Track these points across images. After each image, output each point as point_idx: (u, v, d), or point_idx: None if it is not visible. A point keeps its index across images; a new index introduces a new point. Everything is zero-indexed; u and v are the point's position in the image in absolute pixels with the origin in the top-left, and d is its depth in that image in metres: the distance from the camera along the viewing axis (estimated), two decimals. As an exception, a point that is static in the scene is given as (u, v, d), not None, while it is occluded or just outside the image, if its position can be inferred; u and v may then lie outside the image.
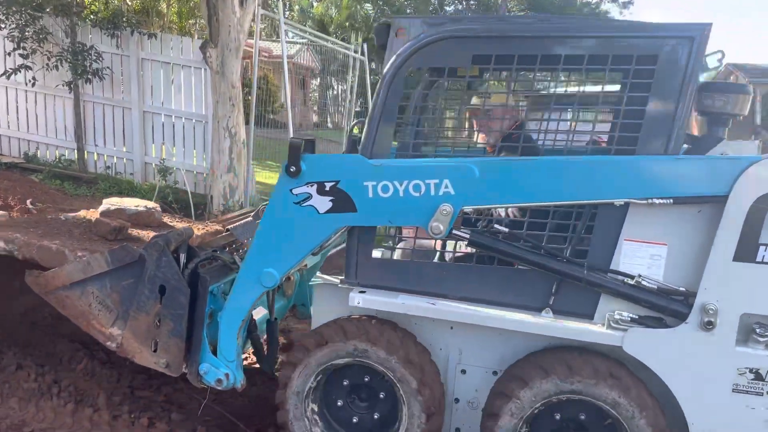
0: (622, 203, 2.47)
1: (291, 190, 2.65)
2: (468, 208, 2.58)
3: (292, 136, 6.02)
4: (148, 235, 3.12)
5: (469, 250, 2.73)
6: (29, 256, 2.79)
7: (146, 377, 3.45)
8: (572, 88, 2.88)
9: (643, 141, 2.51)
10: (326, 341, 2.65)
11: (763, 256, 2.37)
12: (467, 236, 2.58)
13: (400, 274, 2.78)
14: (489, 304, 2.65)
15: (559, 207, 2.55)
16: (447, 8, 33.67)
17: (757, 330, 2.45)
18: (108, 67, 7.38)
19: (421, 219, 2.58)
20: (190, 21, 10.34)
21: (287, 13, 26.06)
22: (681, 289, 2.51)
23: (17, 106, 8.14)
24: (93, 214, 3.38)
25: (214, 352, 2.72)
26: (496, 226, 2.66)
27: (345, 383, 2.77)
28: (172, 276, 2.68)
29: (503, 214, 2.77)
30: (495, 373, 2.74)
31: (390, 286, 2.72)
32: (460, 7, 36.32)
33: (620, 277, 2.53)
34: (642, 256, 2.55)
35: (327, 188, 2.62)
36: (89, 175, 7.68)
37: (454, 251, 2.82)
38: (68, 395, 3.18)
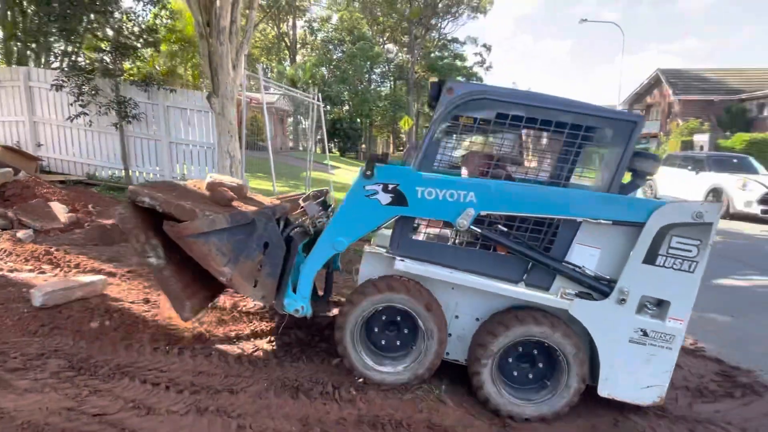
0: (580, 220, 2.69)
1: (364, 187, 2.77)
2: (483, 213, 2.73)
3: (271, 157, 6.27)
4: (240, 205, 3.14)
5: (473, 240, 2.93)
6: (168, 211, 2.79)
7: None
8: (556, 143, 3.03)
9: (597, 182, 2.76)
10: (378, 290, 2.82)
11: (659, 262, 2.58)
12: (479, 231, 2.74)
13: (427, 251, 2.91)
14: (482, 275, 2.83)
15: (539, 218, 2.73)
16: (375, 71, 33.92)
17: (647, 305, 2.69)
18: (143, 113, 7.66)
19: (451, 217, 2.73)
20: (201, 80, 10.62)
21: (269, 73, 26.32)
22: (607, 277, 2.74)
23: (80, 141, 9.07)
24: (200, 184, 3.44)
25: (294, 291, 2.91)
26: (498, 226, 2.82)
27: (383, 318, 2.96)
28: (275, 236, 2.81)
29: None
30: (477, 319, 2.94)
31: (420, 258, 2.86)
32: (384, 69, 36.57)
33: (571, 266, 2.73)
34: (584, 254, 2.74)
35: (390, 188, 2.75)
36: (134, 186, 7.86)
37: (464, 241, 3.00)
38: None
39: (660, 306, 2.66)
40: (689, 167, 12.29)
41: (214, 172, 8.10)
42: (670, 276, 2.57)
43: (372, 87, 37.21)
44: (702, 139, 21.25)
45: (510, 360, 2.86)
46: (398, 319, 2.93)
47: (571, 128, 2.63)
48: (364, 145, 36.15)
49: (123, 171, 8.68)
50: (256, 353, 3.17)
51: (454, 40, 40.90)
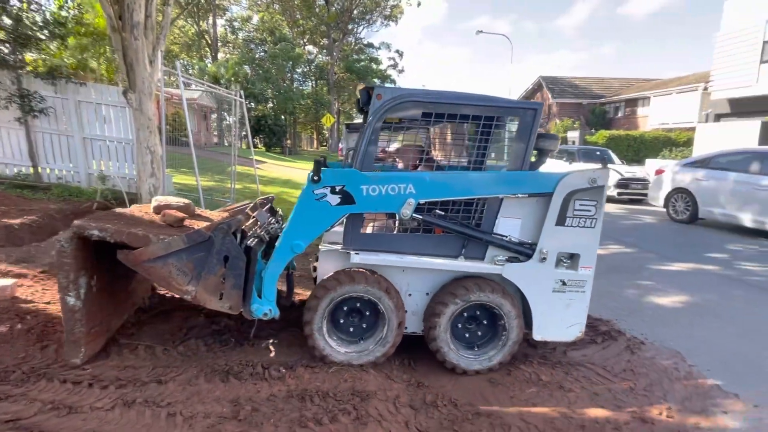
0: (501, 197, 2.87)
1: (313, 191, 2.75)
2: (422, 201, 2.80)
3: (194, 152, 5.86)
4: (192, 223, 3.00)
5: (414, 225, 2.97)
6: (120, 240, 2.57)
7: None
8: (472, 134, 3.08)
9: (511, 163, 2.91)
10: (340, 283, 2.82)
11: (568, 223, 2.84)
12: (420, 217, 2.82)
13: (376, 242, 2.96)
14: (427, 255, 2.93)
15: (468, 199, 2.87)
16: (297, 71, 33.03)
17: (563, 260, 2.95)
18: (51, 107, 6.69)
19: (395, 208, 2.79)
20: (117, 74, 9.51)
21: (190, 70, 24.42)
22: (528, 241, 2.94)
23: (-22, 137, 7.67)
24: (146, 209, 3.21)
25: (259, 296, 2.82)
26: (438, 210, 2.89)
27: (345, 308, 2.97)
28: (234, 249, 2.68)
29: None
30: (427, 294, 3.04)
31: (371, 249, 2.91)
32: (305, 69, 35.70)
33: (499, 236, 2.91)
34: (508, 225, 2.93)
35: (337, 189, 2.75)
36: (44, 184, 7.18)
37: (406, 227, 3.00)
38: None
39: (572, 259, 2.95)
40: (564, 158, 13.59)
41: (134, 168, 7.38)
42: (578, 233, 2.85)
43: (295, 86, 36.08)
44: (574, 135, 23.52)
45: (460, 324, 3.01)
46: (358, 306, 2.95)
47: (485, 119, 2.80)
48: (289, 141, 35.06)
49: (31, 168, 7.57)
50: (184, 344, 2.97)
51: (370, 45, 40.98)
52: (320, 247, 3.11)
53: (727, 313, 3.98)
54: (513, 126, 2.86)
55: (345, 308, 2.96)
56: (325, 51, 38.45)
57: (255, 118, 27.39)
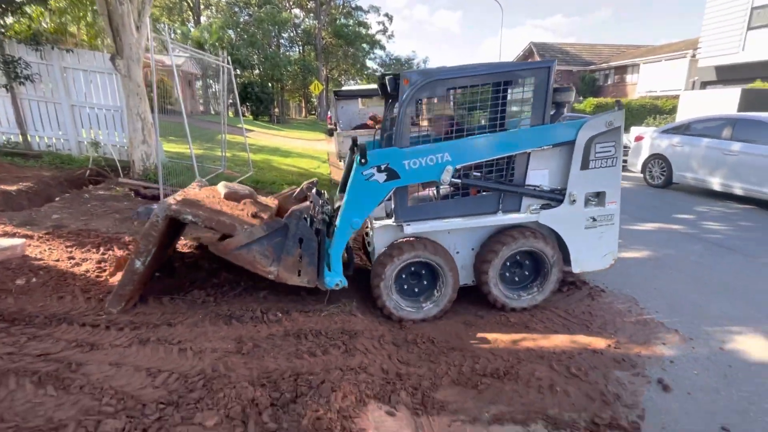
0: (530, 151, 3.14)
1: (362, 173, 2.99)
2: (459, 166, 3.06)
3: (185, 120, 5.92)
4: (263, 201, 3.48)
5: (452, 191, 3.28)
6: (210, 226, 2.95)
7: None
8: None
9: (535, 114, 3.10)
10: (403, 251, 3.12)
11: (592, 165, 3.15)
12: (460, 182, 3.11)
13: (423, 211, 3.24)
14: (469, 216, 3.25)
15: (500, 158, 3.14)
16: (283, 35, 31.91)
17: (591, 199, 3.31)
18: (37, 74, 6.62)
19: (436, 176, 3.05)
20: (99, 39, 9.31)
21: (172, 35, 23.59)
22: (558, 188, 3.26)
23: (-36, 104, 7.75)
24: (215, 192, 3.59)
25: (329, 270, 3.12)
26: (474, 173, 3.23)
27: (407, 271, 3.27)
28: (307, 232, 3.03)
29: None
30: (473, 249, 3.39)
31: (419, 219, 3.21)
32: (292, 34, 34.57)
33: (531, 187, 3.22)
34: (538, 176, 3.24)
35: (382, 168, 2.99)
36: (34, 152, 7.27)
37: (443, 195, 3.29)
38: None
39: (599, 196, 3.29)
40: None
41: (125, 135, 7.45)
42: (601, 173, 3.17)
43: (281, 52, 35.14)
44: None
45: (506, 269, 3.37)
46: (418, 269, 3.29)
47: (505, 84, 3.09)
48: (276, 109, 34.49)
49: (20, 136, 7.58)
50: (189, 295, 3.26)
51: (358, 8, 39.75)
52: (374, 222, 3.38)
53: (683, 265, 4.39)
54: (531, 84, 3.08)
55: (407, 272, 3.28)
56: (312, 15, 37.27)
57: (241, 86, 26.81)
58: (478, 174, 3.25)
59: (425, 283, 3.34)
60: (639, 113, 20.90)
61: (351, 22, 38.51)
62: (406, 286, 3.33)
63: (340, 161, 7.63)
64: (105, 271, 3.50)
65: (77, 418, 1.91)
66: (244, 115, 28.18)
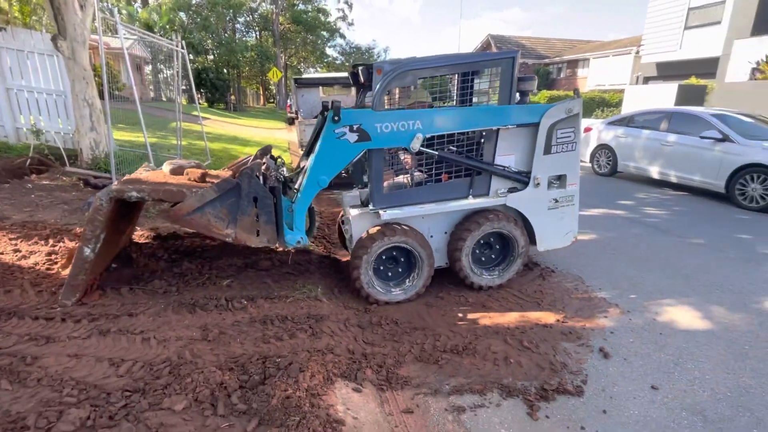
0: (496, 129, 3.28)
1: (334, 131, 3.00)
2: (428, 135, 3.15)
3: (139, 106, 5.69)
4: (214, 174, 3.40)
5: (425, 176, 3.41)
6: (158, 197, 2.85)
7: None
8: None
9: (501, 100, 3.25)
10: (380, 237, 3.20)
11: (553, 150, 3.36)
12: (432, 152, 3.20)
13: (397, 198, 3.33)
14: (441, 201, 3.37)
15: (470, 132, 3.30)
16: (239, 20, 30.77)
17: (553, 182, 3.51)
18: None
19: (406, 142, 3.12)
20: (33, 17, 8.62)
21: (117, 15, 21.96)
22: (524, 170, 3.44)
23: None
24: (161, 172, 3.43)
25: (291, 229, 3.15)
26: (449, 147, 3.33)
27: (384, 256, 3.37)
28: (260, 190, 2.96)
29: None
30: (446, 233, 3.53)
31: (393, 205, 3.30)
32: (248, 18, 33.42)
33: (500, 167, 3.40)
34: (505, 161, 3.40)
35: (354, 128, 3.01)
36: (-35, 138, 6.42)
37: (417, 182, 3.39)
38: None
39: (560, 179, 3.51)
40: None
41: (70, 122, 7.01)
42: (562, 157, 3.39)
43: (237, 37, 33.82)
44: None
45: (477, 250, 3.56)
46: (394, 254, 3.40)
47: (473, 73, 3.28)
48: (233, 96, 33.30)
49: (-53, 122, 6.94)
50: (149, 285, 3.20)
51: (317, -6, 38.88)
52: (350, 211, 3.49)
53: (624, 246, 4.77)
54: (496, 74, 3.28)
55: (384, 257, 3.38)
56: (269, -1, 36.11)
57: (195, 71, 25.65)
58: (453, 149, 3.38)
59: (404, 265, 3.47)
60: (589, 106, 21.99)
61: (310, 8, 37.64)
62: (385, 270, 3.45)
63: (302, 150, 7.56)
64: (56, 263, 3.36)
65: (37, 410, 1.88)
66: (199, 103, 27.12)
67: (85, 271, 2.79)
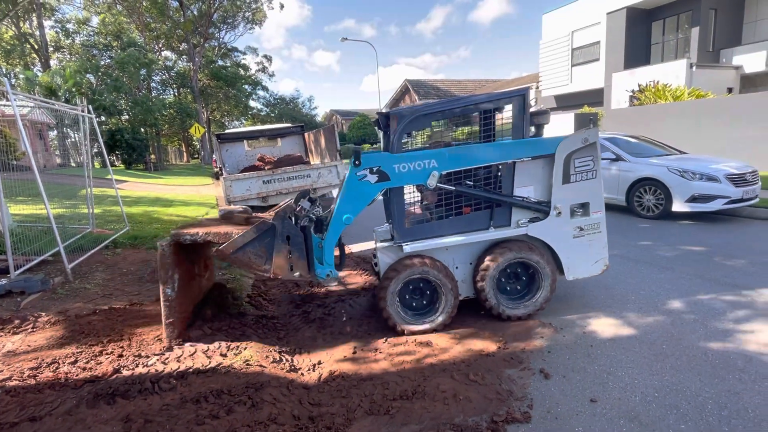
0: (512, 162, 3.43)
1: (356, 173, 3.29)
2: (444, 172, 3.34)
3: (38, 176, 5.21)
4: (254, 218, 3.59)
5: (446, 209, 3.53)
6: (208, 239, 3.25)
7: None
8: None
9: (515, 135, 3.40)
10: (406, 267, 3.37)
11: (573, 179, 3.43)
12: (449, 187, 3.39)
13: (419, 231, 3.50)
14: (463, 233, 3.50)
15: (486, 167, 3.44)
16: (154, 78, 30.22)
17: (576, 210, 3.56)
18: None
19: (423, 180, 3.33)
20: None
21: (13, 81, 20.65)
22: (544, 200, 3.53)
23: None
24: (214, 220, 3.99)
25: (321, 263, 3.41)
26: (467, 181, 3.52)
27: (410, 287, 3.52)
28: (292, 229, 3.31)
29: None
30: (471, 264, 3.63)
31: (416, 238, 3.47)
32: (164, 76, 32.96)
33: (519, 198, 3.50)
34: (524, 193, 3.51)
35: (374, 170, 3.29)
36: None
37: (438, 216, 3.54)
38: None
39: (584, 207, 3.54)
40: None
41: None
42: (584, 186, 3.45)
43: (154, 95, 32.74)
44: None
45: (503, 279, 3.61)
46: (421, 285, 3.52)
47: (486, 111, 3.42)
48: (153, 156, 31.73)
49: None
50: (55, 378, 2.80)
51: (235, 49, 39.28)
52: (377, 245, 3.67)
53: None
54: (510, 109, 3.42)
55: (410, 287, 3.51)
56: (185, 57, 35.70)
57: (109, 133, 24.21)
58: (471, 183, 3.50)
59: (428, 296, 3.57)
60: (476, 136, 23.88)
61: (229, 63, 37.79)
62: (411, 300, 3.57)
63: (230, 206, 7.28)
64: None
65: None
66: (113, 165, 25.42)
67: (174, 310, 3.22)
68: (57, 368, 2.93)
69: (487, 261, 3.48)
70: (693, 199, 6.79)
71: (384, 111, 3.50)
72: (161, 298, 3.21)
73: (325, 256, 3.41)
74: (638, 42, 18.66)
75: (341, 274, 5.23)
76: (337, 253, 3.57)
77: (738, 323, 3.39)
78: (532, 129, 3.52)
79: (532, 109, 3.44)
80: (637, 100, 14.65)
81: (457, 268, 3.63)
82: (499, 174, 3.49)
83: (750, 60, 16.73)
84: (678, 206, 6.91)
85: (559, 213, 3.45)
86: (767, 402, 2.44)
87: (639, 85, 15.21)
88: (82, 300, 4.36)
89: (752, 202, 6.91)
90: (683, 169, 6.95)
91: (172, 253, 3.18)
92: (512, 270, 3.63)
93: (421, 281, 3.49)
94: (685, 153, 8.37)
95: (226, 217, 3.72)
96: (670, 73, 15.99)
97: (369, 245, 6.27)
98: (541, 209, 3.49)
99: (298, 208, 3.61)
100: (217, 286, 4.27)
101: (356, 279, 5.07)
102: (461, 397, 2.61)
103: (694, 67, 15.99)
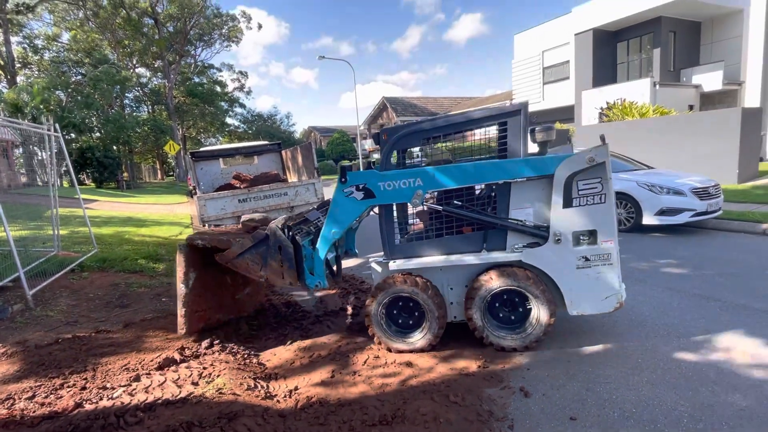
0: (504, 182, 3.21)
1: (343, 190, 3.37)
2: (429, 191, 3.32)
3: None
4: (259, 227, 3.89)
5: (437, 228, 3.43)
6: (213, 245, 3.54)
7: None
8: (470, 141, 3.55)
9: (510, 153, 3.19)
10: (390, 285, 3.37)
11: (576, 203, 3.08)
12: (436, 207, 3.36)
13: (410, 249, 3.48)
14: (455, 254, 3.39)
15: (483, 186, 3.32)
16: (128, 95, 29.94)
17: (581, 238, 3.16)
18: None
19: (407, 198, 3.30)
20: None
21: (-25, 98, 20.17)
22: (544, 224, 3.21)
23: None
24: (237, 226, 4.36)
25: (311, 273, 3.61)
26: (455, 201, 3.42)
27: (400, 304, 3.47)
28: (283, 240, 3.56)
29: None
30: (466, 286, 3.43)
31: (407, 256, 3.47)
32: (138, 93, 32.61)
33: (515, 220, 3.26)
34: (522, 215, 3.26)
35: (360, 187, 3.34)
36: None
37: (438, 234, 3.43)
38: None
39: (592, 235, 3.09)
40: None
41: None
42: (589, 211, 3.03)
43: (127, 112, 32.04)
44: (415, 149, 26.37)
45: (496, 306, 3.36)
46: (408, 304, 3.45)
47: (481, 128, 3.31)
48: (126, 174, 30.86)
49: None
50: (9, 416, 2.58)
51: (211, 66, 39.01)
52: (371, 262, 3.74)
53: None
54: (507, 126, 3.18)
55: (400, 304, 3.47)
56: (160, 73, 35.24)
57: (79, 151, 23.45)
58: (460, 203, 3.36)
59: (416, 316, 3.49)
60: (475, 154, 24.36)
61: (205, 80, 37.47)
62: (397, 318, 3.52)
63: (204, 226, 7.07)
64: None
65: None
66: (84, 184, 24.58)
67: (187, 305, 3.60)
68: (12, 404, 2.74)
69: (476, 284, 3.28)
70: (662, 213, 7.04)
71: (384, 128, 3.42)
72: (178, 295, 3.63)
73: (315, 267, 3.59)
74: (605, 61, 19.51)
75: (320, 294, 5.14)
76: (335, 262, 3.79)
77: (708, 334, 3.47)
78: (535, 146, 3.30)
79: (537, 129, 3.22)
80: (605, 117, 15.21)
81: (451, 289, 3.48)
82: (493, 194, 3.30)
83: (708, 79, 17.70)
84: (648, 219, 7.14)
85: (558, 240, 3.09)
86: (740, 414, 2.49)
87: (607, 103, 15.82)
88: (43, 328, 4.13)
89: (716, 214, 7.21)
90: (652, 183, 7.20)
91: (188, 253, 3.59)
92: (509, 297, 3.33)
93: (409, 300, 3.41)
94: (652, 168, 8.67)
95: (246, 226, 4.02)
96: (635, 91, 16.73)
97: (352, 263, 6.21)
98: (539, 234, 3.17)
99: (297, 220, 3.82)
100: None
101: (334, 299, 5.01)
102: (441, 420, 2.56)
103: (657, 86, 16.79)
